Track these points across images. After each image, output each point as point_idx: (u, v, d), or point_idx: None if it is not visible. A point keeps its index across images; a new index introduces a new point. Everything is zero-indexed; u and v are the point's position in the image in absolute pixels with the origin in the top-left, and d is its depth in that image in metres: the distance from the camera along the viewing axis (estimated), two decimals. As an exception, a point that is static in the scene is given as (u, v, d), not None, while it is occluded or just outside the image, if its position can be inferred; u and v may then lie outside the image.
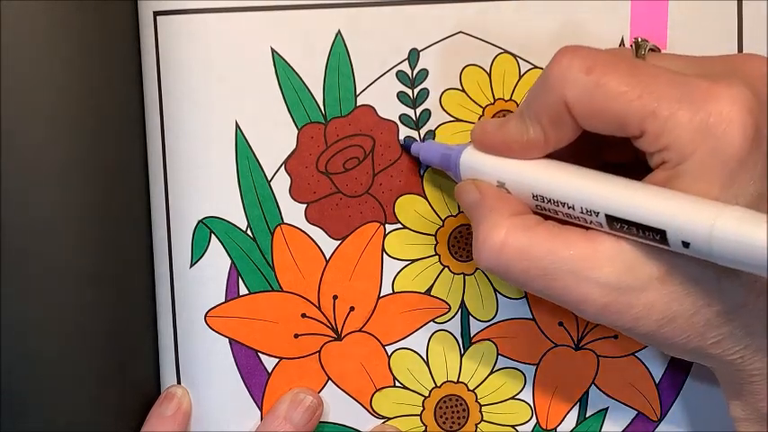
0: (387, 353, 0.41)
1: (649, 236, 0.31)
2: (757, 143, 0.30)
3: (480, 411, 0.42)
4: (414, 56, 0.40)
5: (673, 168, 0.31)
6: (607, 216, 0.32)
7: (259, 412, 0.41)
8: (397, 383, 0.42)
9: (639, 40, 0.35)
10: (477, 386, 0.42)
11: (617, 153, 0.36)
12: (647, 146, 0.31)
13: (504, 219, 0.34)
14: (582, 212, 0.32)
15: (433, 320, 0.41)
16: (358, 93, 0.40)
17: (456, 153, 0.37)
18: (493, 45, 0.40)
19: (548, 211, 0.34)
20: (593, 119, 0.32)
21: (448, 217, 0.41)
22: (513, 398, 0.42)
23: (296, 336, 0.41)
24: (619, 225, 0.31)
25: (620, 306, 0.32)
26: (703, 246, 0.29)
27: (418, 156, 0.39)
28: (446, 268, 0.41)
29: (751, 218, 0.28)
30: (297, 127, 0.40)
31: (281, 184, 0.40)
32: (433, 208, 0.41)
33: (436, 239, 0.41)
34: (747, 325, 0.32)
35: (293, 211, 0.40)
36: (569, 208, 0.33)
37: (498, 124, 0.35)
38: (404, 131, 0.40)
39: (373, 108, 0.40)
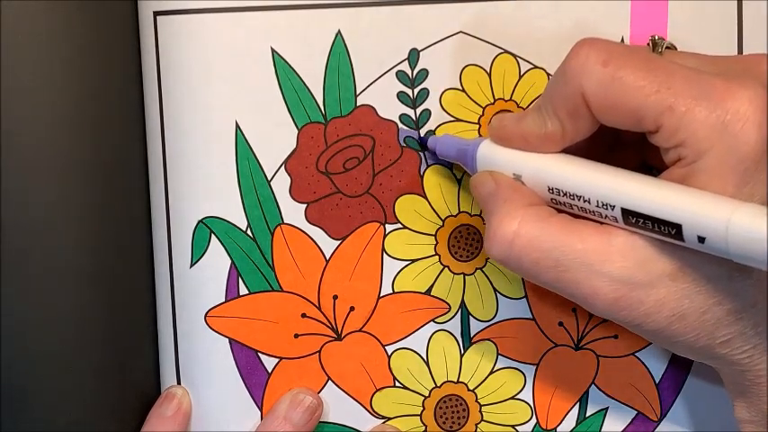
0: (387, 353, 0.41)
1: (665, 230, 0.30)
2: None
3: (480, 411, 0.42)
4: (414, 56, 0.40)
5: (688, 165, 0.31)
6: (623, 210, 0.32)
7: (259, 412, 0.41)
8: (397, 383, 0.42)
9: (657, 37, 0.36)
10: (477, 386, 0.42)
11: (624, 158, 0.36)
12: (662, 141, 0.31)
13: (518, 209, 0.34)
14: (598, 206, 0.32)
15: (433, 320, 0.41)
16: (358, 93, 0.40)
17: (473, 146, 0.37)
18: (493, 45, 0.40)
19: (563, 205, 0.34)
20: (609, 112, 0.32)
21: (448, 217, 0.41)
22: (513, 398, 0.42)
23: (296, 336, 0.41)
24: (634, 219, 0.31)
25: (631, 301, 0.32)
26: (719, 241, 0.29)
27: (434, 149, 0.39)
28: (446, 268, 0.41)
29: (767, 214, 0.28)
30: (297, 127, 0.40)
31: (281, 184, 0.40)
32: (433, 208, 0.41)
33: (436, 239, 0.41)
34: (757, 324, 0.32)
35: (293, 211, 0.40)
36: (585, 201, 0.33)
37: (516, 118, 0.35)
38: (404, 131, 0.40)
39: (373, 108, 0.40)
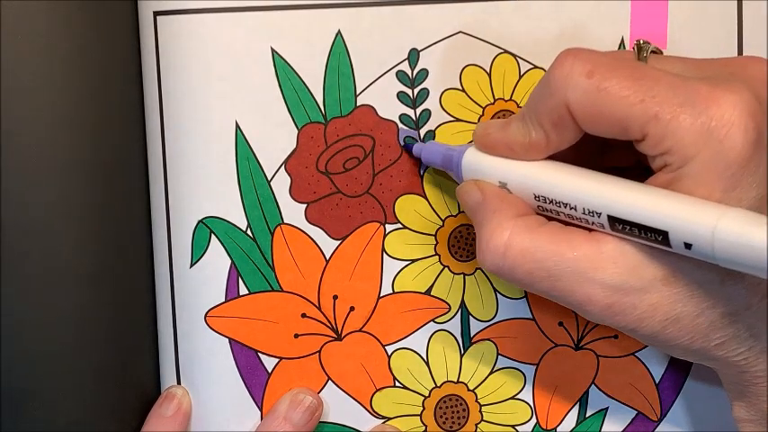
0: (387, 353, 0.41)
1: (651, 237, 0.30)
2: (759, 147, 0.30)
3: (480, 411, 0.42)
4: (414, 56, 0.40)
5: (674, 171, 0.31)
6: (609, 217, 0.32)
7: (259, 412, 0.41)
8: (397, 383, 0.42)
9: (641, 42, 0.35)
10: (478, 386, 0.42)
11: (618, 157, 0.36)
12: (648, 149, 0.31)
13: (508, 220, 0.34)
14: (584, 213, 0.32)
15: (433, 320, 0.41)
16: (358, 93, 0.40)
17: (458, 154, 0.37)
18: (493, 45, 0.40)
19: (550, 213, 0.34)
20: (594, 122, 0.32)
21: (448, 217, 0.41)
22: (513, 398, 0.42)
23: (296, 336, 0.41)
24: (621, 226, 0.31)
25: (624, 307, 0.32)
26: (705, 247, 0.29)
27: (420, 156, 0.39)
28: (446, 268, 0.41)
29: (753, 220, 0.28)
30: (297, 127, 0.40)
31: (281, 184, 0.40)
32: (432, 208, 0.41)
33: (436, 239, 0.41)
34: (751, 326, 0.32)
35: (293, 211, 0.40)
36: (571, 209, 0.33)
37: (500, 125, 0.35)
38: (404, 131, 0.40)
39: (373, 108, 0.40)
